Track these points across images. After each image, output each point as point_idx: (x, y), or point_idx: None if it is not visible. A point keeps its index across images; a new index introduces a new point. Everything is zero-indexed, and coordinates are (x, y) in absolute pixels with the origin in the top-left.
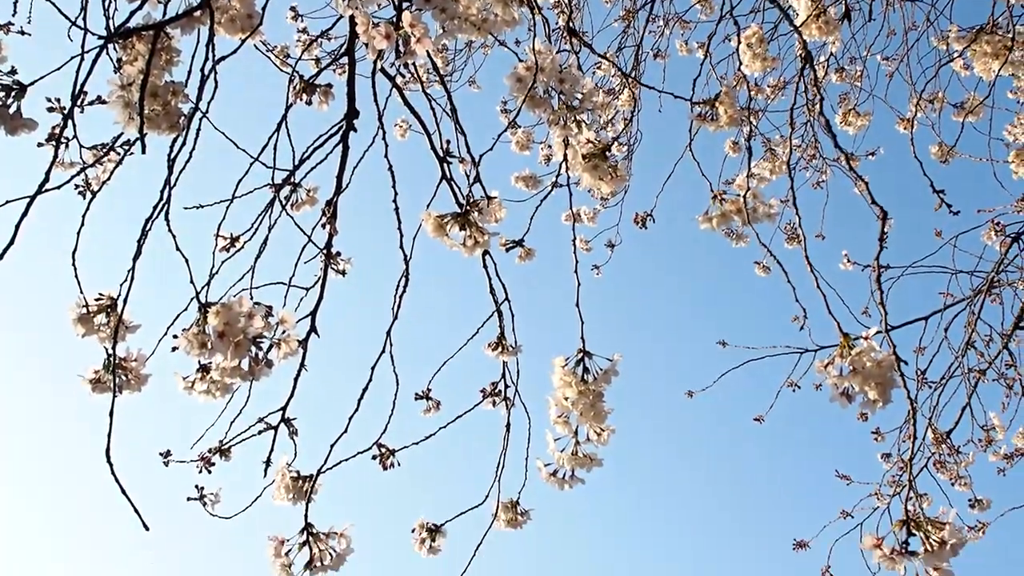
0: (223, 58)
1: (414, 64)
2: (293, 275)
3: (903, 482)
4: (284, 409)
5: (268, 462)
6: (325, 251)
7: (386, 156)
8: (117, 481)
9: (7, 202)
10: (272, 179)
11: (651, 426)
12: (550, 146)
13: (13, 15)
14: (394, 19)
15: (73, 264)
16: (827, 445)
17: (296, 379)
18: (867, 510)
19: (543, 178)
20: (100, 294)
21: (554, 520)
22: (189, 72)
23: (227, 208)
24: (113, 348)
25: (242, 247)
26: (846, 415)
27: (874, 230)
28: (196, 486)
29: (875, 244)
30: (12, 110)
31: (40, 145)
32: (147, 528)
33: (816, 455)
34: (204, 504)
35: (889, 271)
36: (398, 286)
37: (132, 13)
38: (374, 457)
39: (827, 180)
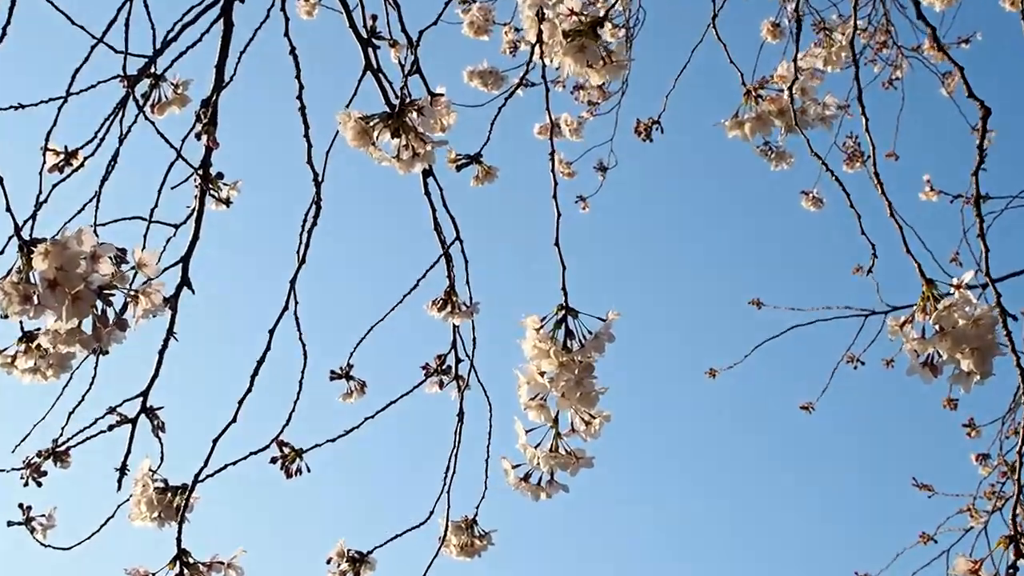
0: None
1: None
2: (156, 205)
3: (1006, 493)
4: (145, 395)
5: (123, 469)
6: (201, 172)
7: (287, 35)
8: None
9: None
10: (124, 69)
11: (658, 415)
12: (517, 29)
13: None
14: None
15: None
16: (902, 444)
17: (162, 351)
18: (956, 531)
19: (508, 74)
20: None
21: (524, 544)
22: None
23: (59, 109)
24: None
25: (82, 165)
26: (927, 404)
27: (966, 150)
28: (20, 505)
29: (966, 169)
30: None
31: None
32: None
33: (886, 457)
34: (32, 530)
35: (989, 202)
36: (305, 219)
37: None
38: (274, 460)
39: (902, 77)
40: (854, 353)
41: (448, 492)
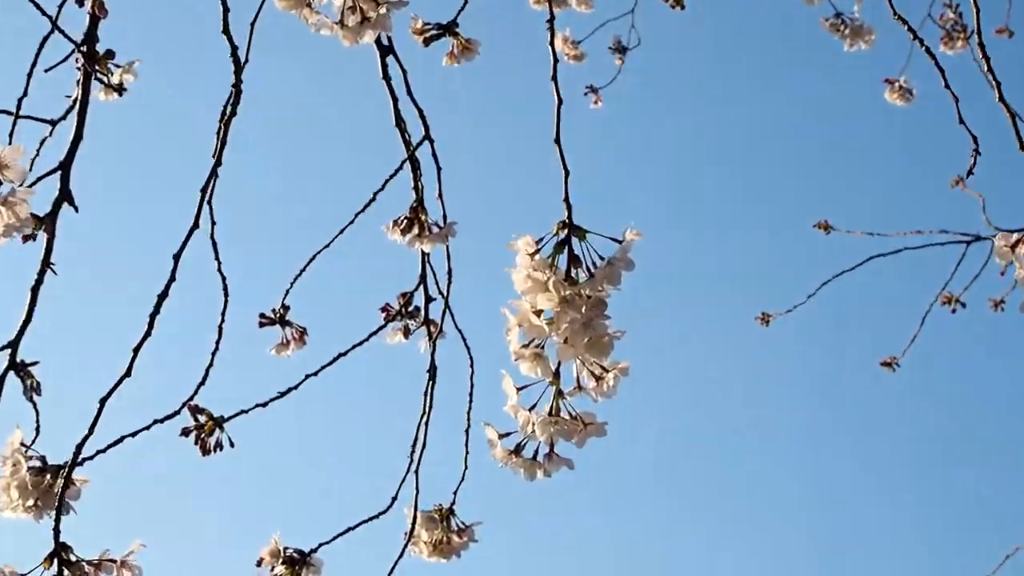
0: None
1: None
2: (25, 94)
3: None
4: (13, 347)
5: None
6: (84, 49)
7: None
8: None
9: None
10: None
11: (691, 372)
12: None
13: None
14: None
15: None
16: (1014, 410)
17: (35, 288)
18: None
19: None
20: None
21: (517, 538)
22: None
23: None
24: None
25: None
26: None
27: None
28: None
29: None
30: None
31: None
32: None
33: (991, 428)
34: None
35: None
36: (224, 111)
37: None
38: (185, 431)
39: None
40: (951, 292)
41: (416, 472)
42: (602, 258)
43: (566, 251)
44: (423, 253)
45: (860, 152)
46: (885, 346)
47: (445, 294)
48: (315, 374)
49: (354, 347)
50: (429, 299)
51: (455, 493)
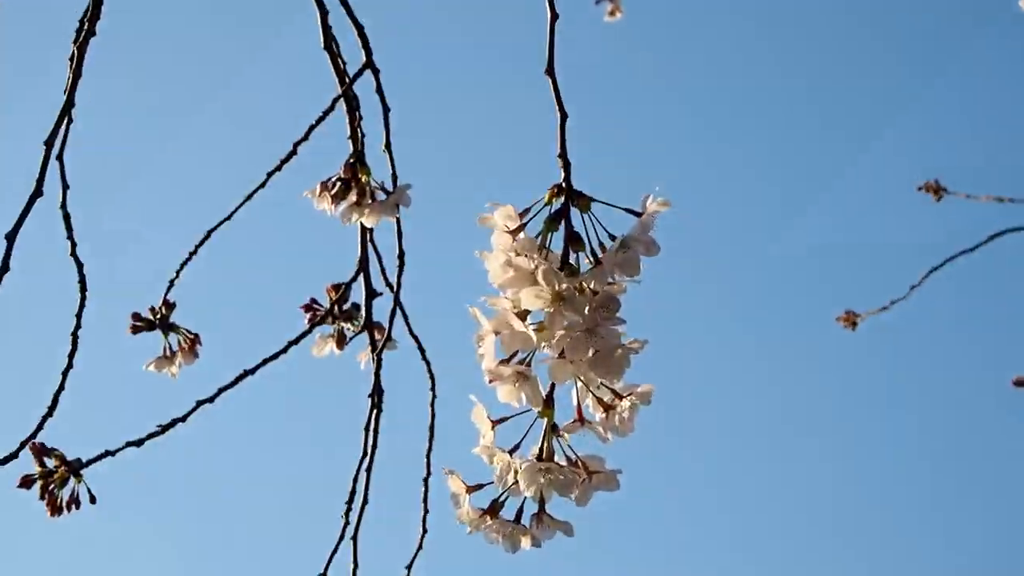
0: None
1: None
2: None
3: None
4: None
5: None
6: None
7: None
8: None
9: None
10: None
11: (743, 395)
12: None
13: None
14: None
15: None
16: None
17: None
18: None
19: None
20: None
21: None
22: None
23: None
24: None
25: None
26: None
27: None
28: None
29: None
30: None
31: None
32: None
33: None
34: None
35: None
36: (80, 28)
37: None
38: (25, 482)
39: None
40: None
41: (354, 539)
42: (613, 238)
43: (563, 227)
44: (363, 230)
45: (980, 89)
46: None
47: (395, 287)
48: (210, 400)
49: (264, 362)
50: (372, 294)
51: (409, 568)
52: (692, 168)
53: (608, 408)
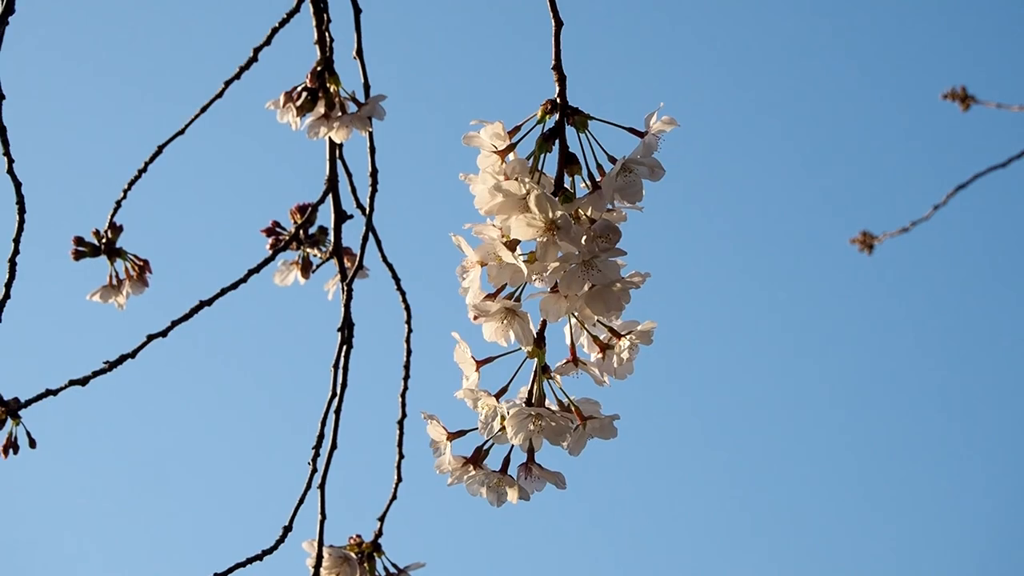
0: None
1: None
2: None
3: None
4: None
5: None
6: None
7: None
8: None
9: None
10: None
11: (755, 325)
12: None
13: None
14: None
15: None
16: None
17: None
18: None
19: None
20: None
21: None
22: None
23: None
24: None
25: None
26: None
27: None
28: None
29: None
30: None
31: None
32: None
33: None
34: None
35: None
36: None
37: None
38: None
39: None
40: None
41: (321, 488)
42: (613, 160)
43: (557, 148)
44: (332, 145)
45: None
46: None
47: (367, 210)
48: (162, 334)
49: (222, 292)
50: (342, 217)
51: (382, 519)
52: (699, 85)
53: (605, 348)
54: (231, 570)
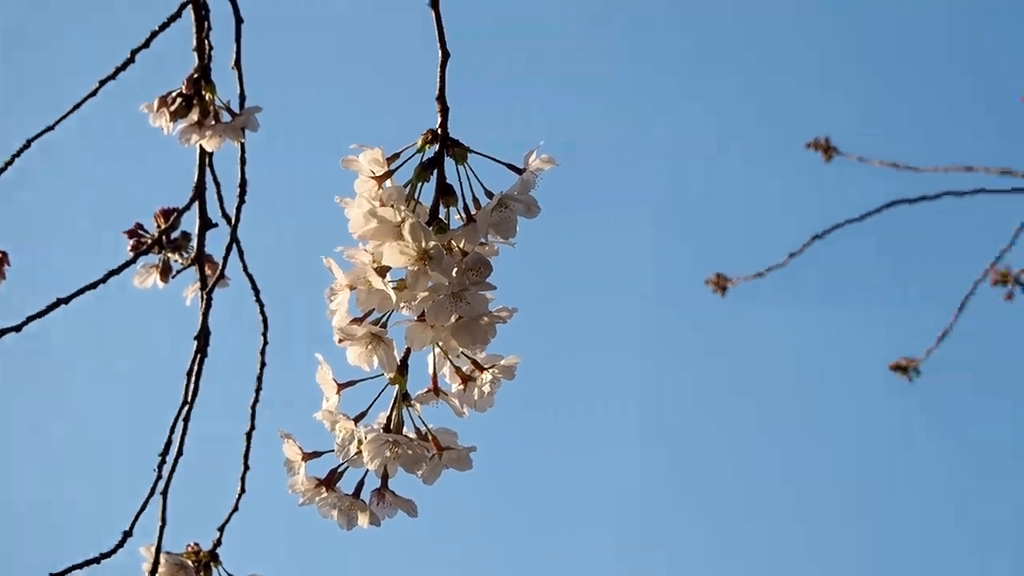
0: None
1: None
2: None
3: None
4: None
5: None
6: None
7: None
8: None
9: None
10: None
11: (614, 366)
12: None
13: None
14: None
15: None
16: None
17: None
18: None
19: None
20: None
21: None
22: None
23: None
24: None
25: None
26: None
27: None
28: None
29: None
30: None
31: None
32: None
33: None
34: None
35: None
36: None
37: None
38: None
39: None
40: (1007, 267)
41: (164, 494)
42: (490, 194)
43: (435, 178)
44: (203, 153)
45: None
46: (901, 343)
47: (233, 219)
48: (15, 329)
49: (80, 291)
50: (207, 224)
51: (221, 530)
52: (582, 127)
53: (467, 380)
54: (67, 571)
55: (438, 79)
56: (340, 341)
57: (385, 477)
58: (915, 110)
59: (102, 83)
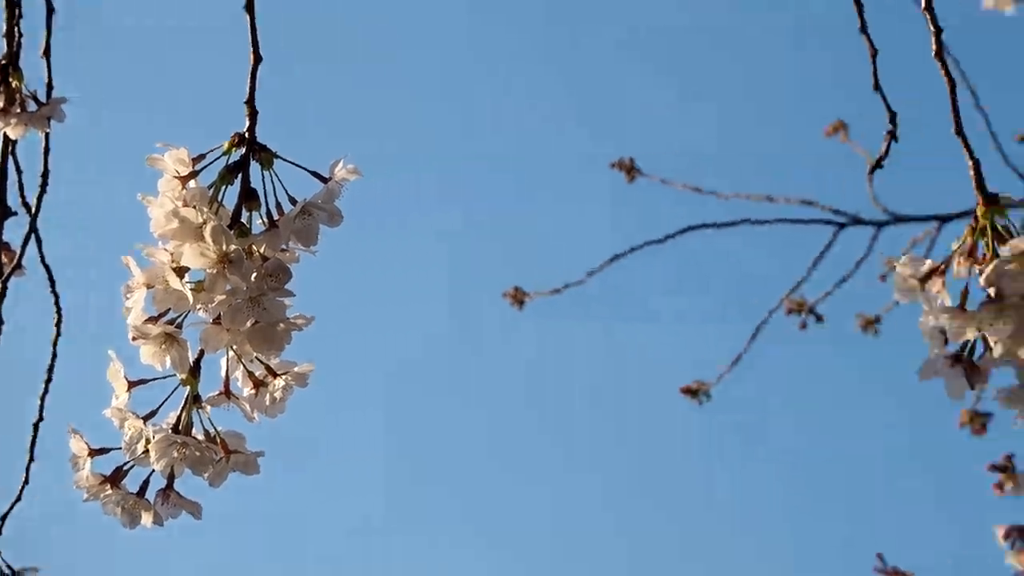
0: None
1: None
2: None
3: None
4: None
5: None
6: None
7: None
8: None
9: None
10: None
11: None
12: None
13: None
14: None
15: None
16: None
17: None
18: None
19: None
20: None
21: None
22: None
23: None
24: None
25: None
26: (931, 414)
27: None
28: None
29: None
30: None
31: None
32: None
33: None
34: None
35: None
36: None
37: None
38: None
39: None
40: (803, 298)
41: None
42: (294, 201)
43: (239, 182)
44: (6, 140)
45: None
46: (704, 368)
47: (32, 208)
48: None
49: None
50: (6, 212)
51: (3, 519)
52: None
53: (259, 385)
54: None
55: (249, 83)
56: (134, 339)
57: (171, 477)
58: (723, 138)
59: None
